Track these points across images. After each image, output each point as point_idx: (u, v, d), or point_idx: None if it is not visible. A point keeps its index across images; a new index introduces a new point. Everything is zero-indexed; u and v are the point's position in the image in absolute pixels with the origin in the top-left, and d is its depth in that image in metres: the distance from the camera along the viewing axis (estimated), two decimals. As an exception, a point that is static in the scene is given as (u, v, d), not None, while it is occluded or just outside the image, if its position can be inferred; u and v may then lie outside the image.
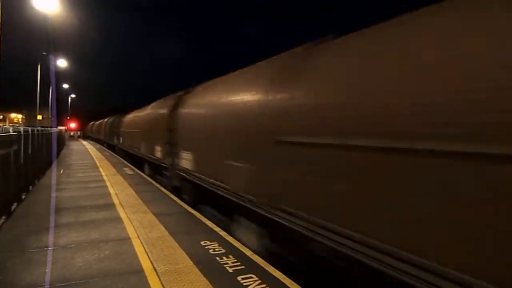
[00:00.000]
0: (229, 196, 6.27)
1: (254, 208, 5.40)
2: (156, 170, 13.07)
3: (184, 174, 9.14)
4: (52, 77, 31.20)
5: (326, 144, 3.87)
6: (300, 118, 4.38)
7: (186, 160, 9.00)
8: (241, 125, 5.90)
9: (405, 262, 2.95)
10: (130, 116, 20.74)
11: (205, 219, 7.16)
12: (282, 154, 4.69)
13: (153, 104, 15.14)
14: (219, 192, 6.73)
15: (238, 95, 6.39)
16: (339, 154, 3.69)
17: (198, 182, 8.04)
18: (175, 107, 10.61)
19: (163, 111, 11.79)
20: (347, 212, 3.60)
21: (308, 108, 4.28)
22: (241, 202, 5.79)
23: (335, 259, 3.87)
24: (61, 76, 45.11)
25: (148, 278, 4.27)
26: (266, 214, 5.06)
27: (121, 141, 22.84)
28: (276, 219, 4.78)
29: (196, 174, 8.20)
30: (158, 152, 11.99)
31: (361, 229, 3.40)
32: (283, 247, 5.27)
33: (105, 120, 36.40)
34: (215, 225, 6.68)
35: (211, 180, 7.15)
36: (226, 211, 7.06)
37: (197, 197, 8.81)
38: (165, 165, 11.07)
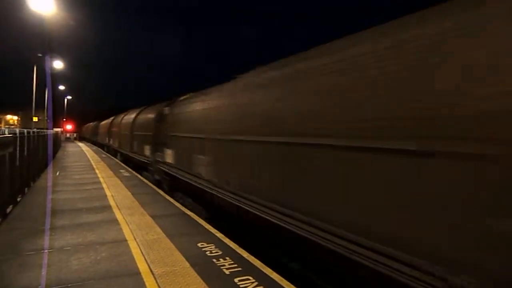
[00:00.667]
0: (122, 152, 21.24)
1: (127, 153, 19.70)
2: (108, 150, 28.53)
3: (114, 149, 23.90)
4: (48, 78, 31.04)
5: (181, 136, 10.30)
6: (169, 128, 11.80)
7: (113, 143, 24.62)
8: (147, 130, 14.94)
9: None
10: (102, 123, 37.41)
11: (202, 220, 7.15)
12: (170, 139, 11.56)
13: (110, 118, 31.38)
14: (121, 151, 21.67)
15: (142, 116, 16.69)
16: (180, 139, 10.30)
17: (116, 149, 23.38)
18: (113, 120, 27.26)
19: (108, 122, 29.93)
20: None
21: (171, 123, 11.75)
22: (130, 154, 18.68)
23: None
24: (57, 77, 44.87)
25: (145, 280, 4.26)
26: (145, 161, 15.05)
27: (98, 138, 38.27)
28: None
29: (117, 148, 22.99)
30: (106, 140, 29.22)
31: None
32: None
33: (91, 124, 52.63)
34: (211, 227, 6.68)
35: (124, 151, 20.49)
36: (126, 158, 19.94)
37: (120, 157, 21.63)
38: (109, 146, 27.21)
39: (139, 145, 15.67)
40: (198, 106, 9.42)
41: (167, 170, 11.46)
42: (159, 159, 12.36)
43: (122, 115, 22.75)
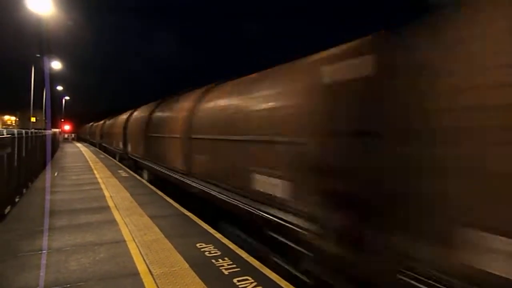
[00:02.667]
0: (113, 149, 24.15)
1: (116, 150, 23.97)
2: (99, 146, 34.12)
3: (103, 145, 31.04)
4: (46, 79, 30.93)
5: (156, 136, 12.33)
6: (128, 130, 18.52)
7: (104, 142, 29.93)
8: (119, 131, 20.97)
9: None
10: (95, 124, 44.84)
11: (200, 221, 7.15)
12: (150, 140, 13.04)
13: (100, 121, 39.75)
14: (106, 146, 28.57)
15: (134, 115, 17.89)
16: (159, 140, 12.09)
17: (104, 145, 29.91)
18: (104, 121, 33.56)
19: (100, 123, 37.06)
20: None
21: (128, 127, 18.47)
22: (112, 148, 24.79)
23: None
24: (55, 78, 44.81)
25: (144, 281, 4.25)
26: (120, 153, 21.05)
27: (89, 136, 48.15)
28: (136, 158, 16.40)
29: (105, 145, 29.18)
30: (98, 138, 35.34)
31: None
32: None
33: (87, 125, 59.16)
34: (210, 227, 6.67)
35: (111, 148, 25.46)
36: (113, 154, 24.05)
37: (104, 150, 29.77)
38: (100, 144, 33.54)
39: (117, 141, 22.49)
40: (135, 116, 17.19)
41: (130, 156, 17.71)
42: (127, 150, 18.49)
43: (105, 120, 35.09)
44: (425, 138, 2.97)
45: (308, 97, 4.60)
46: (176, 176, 9.57)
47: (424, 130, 2.98)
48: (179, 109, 9.85)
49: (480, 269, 2.48)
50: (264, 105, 5.60)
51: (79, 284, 4.15)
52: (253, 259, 5.04)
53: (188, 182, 8.54)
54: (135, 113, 17.38)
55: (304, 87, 4.80)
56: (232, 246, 5.60)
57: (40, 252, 5.18)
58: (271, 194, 5.13)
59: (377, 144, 3.40)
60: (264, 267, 4.76)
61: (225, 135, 6.68)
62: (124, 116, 20.83)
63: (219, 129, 6.93)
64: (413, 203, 3.06)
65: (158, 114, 12.48)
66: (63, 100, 62.58)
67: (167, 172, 10.43)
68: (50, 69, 31.14)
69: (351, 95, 3.82)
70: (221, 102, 7.33)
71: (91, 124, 52.08)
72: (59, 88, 52.99)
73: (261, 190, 5.34)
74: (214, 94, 8.12)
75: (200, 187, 7.74)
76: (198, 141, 8.09)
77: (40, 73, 29.24)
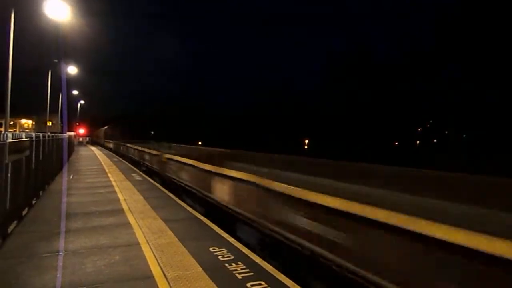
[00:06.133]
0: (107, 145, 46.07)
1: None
2: (108, 149, 42.76)
3: (115, 147, 38.19)
4: (63, 84, 31.66)
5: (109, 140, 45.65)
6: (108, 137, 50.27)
7: (111, 146, 42.08)
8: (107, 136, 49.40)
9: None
10: (100, 129, 57.58)
11: (214, 225, 7.16)
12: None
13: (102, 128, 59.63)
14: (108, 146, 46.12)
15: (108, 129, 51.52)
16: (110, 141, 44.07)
17: (110, 147, 43.74)
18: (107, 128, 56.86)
19: (102, 129, 59.74)
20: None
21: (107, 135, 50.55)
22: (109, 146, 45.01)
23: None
24: (71, 82, 45.73)
25: (158, 284, 4.28)
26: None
27: (101, 141, 54.60)
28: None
29: (110, 147, 43.78)
30: (109, 144, 42.83)
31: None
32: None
33: (100, 129, 64.76)
34: (223, 231, 6.68)
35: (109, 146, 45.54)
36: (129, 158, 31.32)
37: (113, 151, 39.67)
38: (103, 144, 51.74)
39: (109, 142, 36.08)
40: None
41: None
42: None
43: (105, 127, 49.94)
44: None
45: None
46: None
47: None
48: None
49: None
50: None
51: (94, 286, 4.20)
52: (266, 264, 5.02)
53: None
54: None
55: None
56: (245, 250, 5.59)
57: (56, 254, 5.27)
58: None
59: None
60: (278, 272, 4.73)
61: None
62: (105, 129, 39.90)
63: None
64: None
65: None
66: (78, 104, 63.79)
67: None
68: (67, 74, 31.81)
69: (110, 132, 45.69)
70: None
71: (100, 129, 61.46)
72: (75, 92, 54.00)
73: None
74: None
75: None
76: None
77: (56, 78, 29.95)
